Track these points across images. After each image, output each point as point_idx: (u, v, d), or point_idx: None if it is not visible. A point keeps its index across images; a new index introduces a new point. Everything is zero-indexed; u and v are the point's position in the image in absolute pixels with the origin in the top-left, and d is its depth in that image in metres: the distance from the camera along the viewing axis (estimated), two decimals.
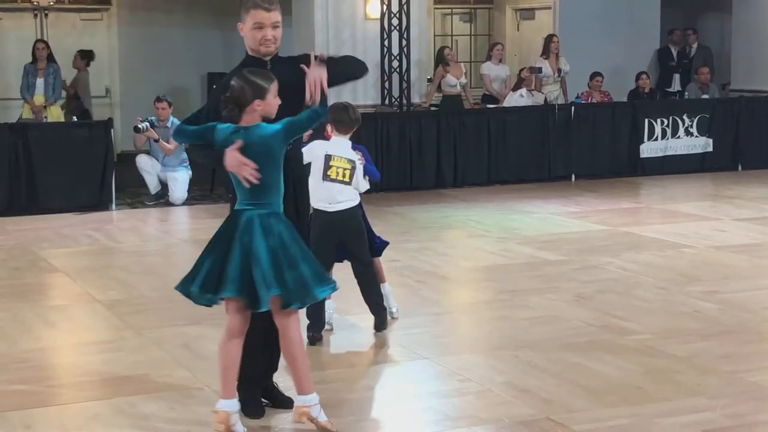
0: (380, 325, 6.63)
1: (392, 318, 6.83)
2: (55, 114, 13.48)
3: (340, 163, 6.36)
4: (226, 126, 4.73)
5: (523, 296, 7.55)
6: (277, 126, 4.70)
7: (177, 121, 12.22)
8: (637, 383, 5.57)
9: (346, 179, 6.39)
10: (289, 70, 4.92)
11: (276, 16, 4.98)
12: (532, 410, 5.17)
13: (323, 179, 6.34)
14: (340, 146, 6.44)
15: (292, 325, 4.77)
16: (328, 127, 6.41)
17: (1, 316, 7.15)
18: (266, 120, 4.74)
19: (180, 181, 12.09)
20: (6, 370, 5.96)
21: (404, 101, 13.81)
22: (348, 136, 6.48)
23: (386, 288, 6.85)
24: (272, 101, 4.72)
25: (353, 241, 6.52)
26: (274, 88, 4.72)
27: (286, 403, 5.14)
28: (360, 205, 6.57)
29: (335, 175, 6.36)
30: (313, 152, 6.25)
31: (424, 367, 5.88)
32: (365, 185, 6.55)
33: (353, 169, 6.40)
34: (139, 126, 11.87)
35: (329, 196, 6.38)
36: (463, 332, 6.95)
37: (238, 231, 4.68)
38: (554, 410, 5.16)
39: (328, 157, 6.36)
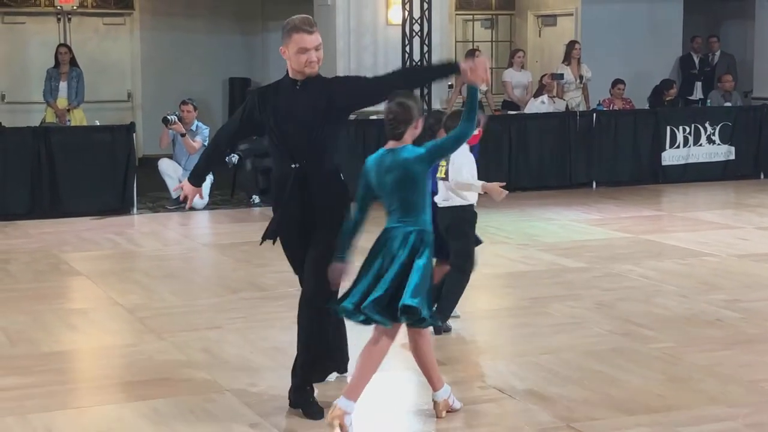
0: (438, 330, 6.64)
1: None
2: (78, 117, 13.58)
3: (442, 162, 6.61)
4: (375, 155, 4.99)
5: (544, 303, 7.53)
6: (421, 150, 4.91)
7: (201, 125, 12.29)
8: (659, 391, 5.54)
9: (442, 175, 6.66)
10: (319, 91, 5.05)
11: (318, 38, 5.06)
12: (553, 418, 5.16)
13: (439, 180, 6.70)
14: None
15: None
16: (441, 134, 6.40)
17: (23, 319, 7.19)
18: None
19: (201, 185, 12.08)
20: (28, 372, 5.98)
21: (425, 107, 13.81)
22: None
23: None
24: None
25: (450, 240, 6.66)
26: None
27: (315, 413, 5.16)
28: (467, 207, 6.73)
29: (440, 174, 6.66)
30: None
31: (445, 373, 5.86)
32: (462, 177, 6.64)
33: (447, 164, 6.62)
34: (169, 117, 11.93)
35: (441, 193, 6.70)
36: (483, 339, 6.94)
37: (392, 246, 4.88)
38: (575, 418, 5.14)
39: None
